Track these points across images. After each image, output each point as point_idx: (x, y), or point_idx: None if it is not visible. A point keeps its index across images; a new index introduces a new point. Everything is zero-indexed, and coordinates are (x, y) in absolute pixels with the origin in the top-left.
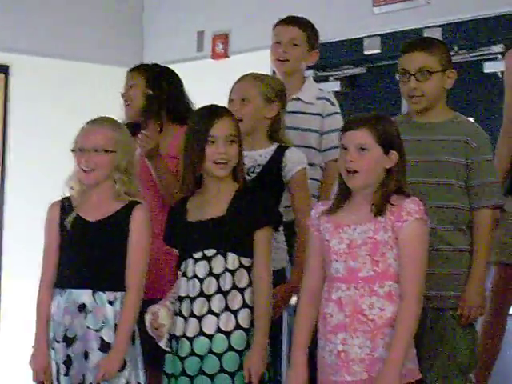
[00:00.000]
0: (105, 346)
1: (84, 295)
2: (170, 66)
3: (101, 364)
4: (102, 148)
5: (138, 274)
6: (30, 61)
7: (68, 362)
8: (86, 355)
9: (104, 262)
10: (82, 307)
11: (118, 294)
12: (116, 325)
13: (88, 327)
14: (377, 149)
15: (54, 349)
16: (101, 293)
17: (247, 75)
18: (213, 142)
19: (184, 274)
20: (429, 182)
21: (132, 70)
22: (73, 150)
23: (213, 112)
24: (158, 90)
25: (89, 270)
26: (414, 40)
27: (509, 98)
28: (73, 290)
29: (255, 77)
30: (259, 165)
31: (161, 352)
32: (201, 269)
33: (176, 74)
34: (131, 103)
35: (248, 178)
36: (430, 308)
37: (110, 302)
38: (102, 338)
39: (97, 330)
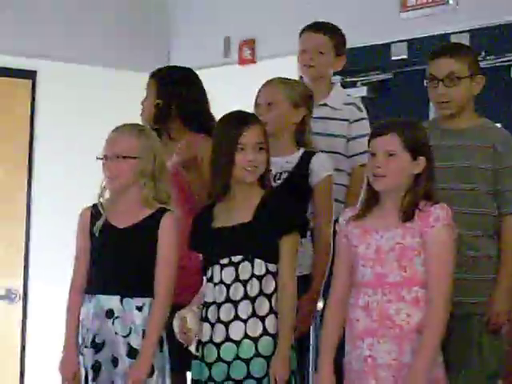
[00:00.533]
0: (132, 352)
1: (112, 301)
2: (197, 72)
3: (129, 372)
4: (122, 155)
5: (166, 282)
6: (57, 67)
7: (96, 367)
8: (114, 361)
9: (132, 268)
10: (109, 313)
11: (147, 300)
12: (144, 331)
13: (116, 333)
14: (405, 154)
15: (82, 354)
16: (129, 299)
17: (274, 79)
18: (242, 149)
19: (210, 280)
20: (456, 187)
21: (149, 78)
22: (100, 158)
23: (242, 119)
24: (168, 98)
25: (117, 276)
26: (442, 46)
27: None
28: (101, 296)
29: (282, 81)
30: (286, 171)
31: (187, 358)
32: (228, 275)
33: (196, 78)
34: (143, 113)
35: (274, 184)
36: (456, 314)
37: (138, 308)
38: (129, 344)
39: (125, 336)
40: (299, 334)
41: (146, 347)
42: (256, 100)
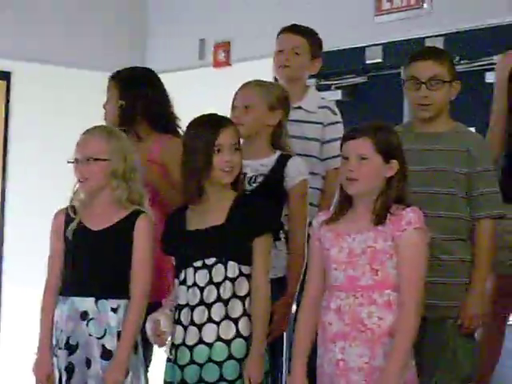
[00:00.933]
0: (106, 354)
1: (86, 303)
2: (172, 74)
3: (105, 375)
4: (93, 157)
5: (141, 284)
6: (31, 67)
7: (70, 369)
8: (87, 363)
9: (107, 270)
10: (84, 315)
11: (122, 302)
12: (119, 332)
13: (90, 334)
14: (377, 158)
15: (56, 356)
16: (104, 300)
17: (250, 82)
18: (219, 150)
19: (183, 283)
20: (430, 191)
21: (109, 80)
22: (71, 162)
23: (217, 121)
24: (132, 99)
25: (91, 278)
26: (424, 48)
27: (496, 92)
28: (75, 298)
29: (258, 84)
30: (261, 174)
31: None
32: (201, 277)
33: (157, 78)
34: (106, 116)
35: (250, 187)
36: (430, 317)
37: (113, 310)
38: (103, 346)
39: (99, 338)
40: (273, 338)
41: (121, 349)
42: (233, 103)
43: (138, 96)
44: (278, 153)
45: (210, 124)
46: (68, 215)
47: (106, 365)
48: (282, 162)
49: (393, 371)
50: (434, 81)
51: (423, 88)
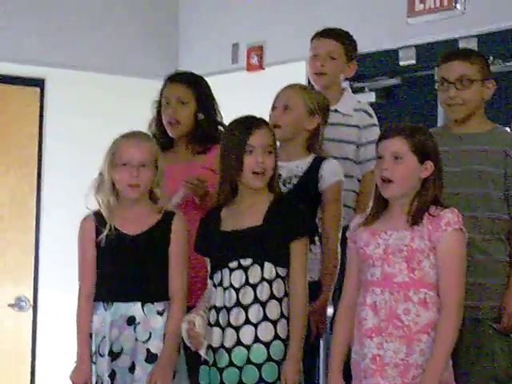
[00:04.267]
0: (151, 357)
1: (133, 308)
2: (206, 78)
3: (150, 377)
4: (149, 163)
5: (181, 284)
6: (65, 74)
7: (112, 375)
8: (131, 368)
9: (150, 273)
10: (130, 320)
11: (167, 304)
12: (164, 335)
13: (136, 339)
14: (412, 158)
15: (94, 363)
16: (150, 304)
17: (294, 84)
18: (251, 151)
19: (220, 284)
20: (467, 192)
21: (182, 81)
22: (111, 164)
23: (251, 122)
24: (208, 114)
25: (136, 283)
26: (453, 50)
27: None
28: (120, 304)
29: (302, 87)
30: (296, 176)
31: (196, 363)
32: (236, 278)
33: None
34: (180, 123)
35: (284, 188)
36: (467, 318)
37: (159, 313)
38: (148, 350)
39: (144, 342)
40: (311, 340)
41: (167, 350)
42: (273, 102)
43: (214, 112)
44: (313, 155)
45: (243, 125)
46: (97, 220)
47: (149, 369)
48: (316, 163)
49: (433, 371)
50: (463, 81)
51: (451, 88)
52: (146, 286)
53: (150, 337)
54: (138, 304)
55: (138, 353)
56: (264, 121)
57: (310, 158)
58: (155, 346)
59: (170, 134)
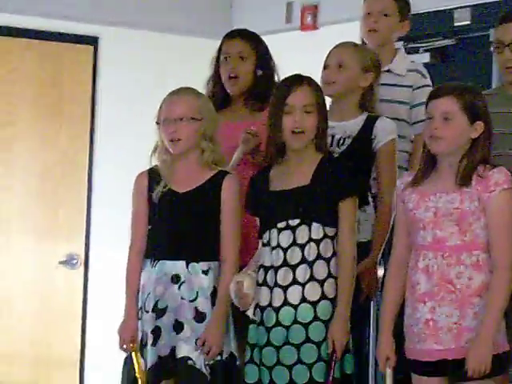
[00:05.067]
0: (200, 316)
1: (178, 266)
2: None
3: (204, 337)
4: (188, 116)
5: (233, 244)
6: (118, 32)
7: (156, 332)
8: (177, 326)
9: (197, 232)
10: (175, 278)
11: (212, 264)
12: (211, 294)
13: (182, 298)
14: (462, 117)
15: (141, 319)
16: (195, 263)
17: (346, 43)
18: (289, 111)
19: (268, 244)
20: None
21: (242, 37)
22: (157, 122)
23: (291, 81)
24: (267, 71)
25: (182, 241)
26: (509, 11)
27: None
28: (166, 261)
29: (354, 45)
30: (349, 136)
31: (243, 322)
32: (284, 238)
33: None
34: (240, 79)
35: (338, 149)
36: None
37: (204, 272)
38: (196, 309)
39: (191, 301)
40: (363, 300)
41: (219, 311)
42: (325, 61)
43: (273, 70)
44: (366, 114)
45: (283, 84)
46: (151, 177)
47: (199, 327)
48: (369, 122)
49: (486, 332)
50: None
51: (507, 50)
52: (191, 244)
53: (197, 296)
54: (183, 262)
55: (185, 311)
56: (307, 79)
57: (362, 117)
58: (203, 305)
59: (229, 90)
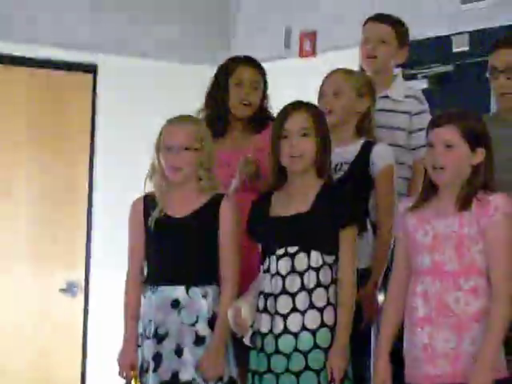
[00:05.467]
0: (199, 340)
1: (177, 291)
2: None
3: (201, 362)
4: (190, 146)
5: (233, 266)
6: (117, 60)
7: (157, 358)
8: (178, 351)
9: (195, 256)
10: (175, 303)
11: (211, 288)
12: (209, 319)
13: (182, 323)
14: (463, 145)
15: (141, 346)
16: (194, 288)
17: (339, 69)
18: (286, 136)
19: (267, 271)
20: None
21: (255, 67)
22: (158, 149)
23: (290, 107)
24: (265, 92)
25: (181, 266)
26: (503, 37)
27: None
28: (165, 287)
29: (347, 71)
30: (346, 162)
31: (244, 348)
32: (283, 266)
33: None
34: (252, 106)
35: (336, 175)
36: None
37: (203, 296)
38: (196, 333)
39: (191, 325)
40: (363, 326)
41: (218, 337)
42: (320, 90)
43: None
44: (363, 139)
45: (282, 110)
46: (147, 203)
47: (198, 351)
48: (367, 148)
49: (486, 360)
50: (511, 69)
51: (501, 77)
52: (190, 269)
53: (197, 320)
54: (182, 287)
55: (186, 336)
56: (306, 104)
57: (360, 143)
58: (202, 329)
59: (238, 113)
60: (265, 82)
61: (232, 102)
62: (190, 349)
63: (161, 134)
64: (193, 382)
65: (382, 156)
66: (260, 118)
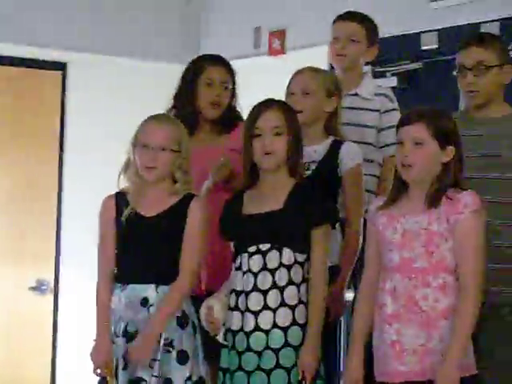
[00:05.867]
0: (164, 340)
1: (147, 289)
2: None
3: (130, 350)
4: (168, 147)
5: (191, 259)
6: (86, 58)
7: (127, 356)
8: None
9: (165, 255)
10: (144, 301)
11: None
12: (178, 317)
13: None
14: (433, 143)
15: (114, 343)
16: (164, 286)
17: (306, 68)
18: (259, 134)
19: (239, 268)
20: (486, 176)
21: (225, 66)
22: (134, 145)
23: (262, 105)
24: (234, 91)
25: (150, 265)
26: (471, 35)
27: None
28: (135, 285)
29: (315, 70)
30: (314, 161)
31: (216, 346)
32: (255, 263)
33: None
34: (221, 107)
35: (303, 175)
36: (488, 304)
37: None
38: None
39: None
40: (330, 321)
41: (155, 321)
42: (289, 89)
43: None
44: (331, 138)
45: (254, 108)
46: (118, 201)
47: (163, 351)
48: (335, 147)
49: (453, 355)
50: (479, 67)
51: (469, 75)
52: (159, 267)
53: None
54: (152, 286)
55: None
56: (277, 102)
57: (328, 142)
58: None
59: (208, 115)
60: (234, 82)
61: (201, 102)
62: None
63: (139, 130)
64: (141, 382)
65: (350, 155)
66: (229, 118)
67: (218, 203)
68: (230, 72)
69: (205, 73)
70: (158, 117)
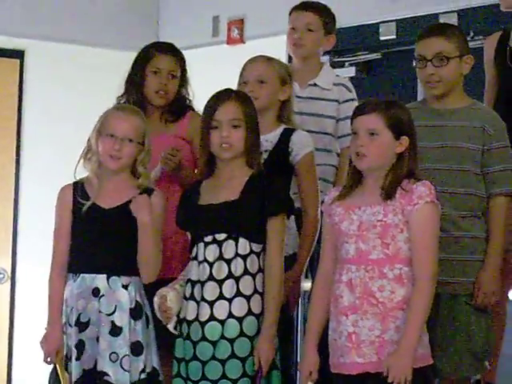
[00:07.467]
0: (115, 330)
1: (98, 279)
2: (185, 52)
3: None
4: (134, 139)
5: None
6: (45, 46)
7: (80, 346)
8: (97, 340)
9: (119, 247)
10: (95, 291)
11: (133, 279)
12: (130, 310)
13: (100, 311)
14: (387, 134)
15: (65, 333)
16: (116, 277)
17: (259, 57)
18: (216, 126)
19: (195, 258)
20: (444, 167)
21: (174, 53)
22: (99, 133)
23: (219, 96)
24: (184, 79)
25: (103, 255)
26: (430, 26)
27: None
28: (86, 275)
29: (268, 58)
30: (266, 151)
31: (170, 336)
32: (211, 253)
33: None
34: (168, 95)
35: None
36: (443, 294)
37: (124, 287)
38: (112, 322)
39: (108, 314)
40: (287, 311)
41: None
42: (243, 77)
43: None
44: (282, 127)
45: (211, 99)
46: (75, 190)
47: (114, 341)
48: (286, 136)
49: (407, 345)
50: (439, 57)
51: (429, 65)
52: (112, 258)
53: (115, 310)
54: (103, 276)
55: (102, 325)
56: (236, 93)
57: (279, 131)
58: (120, 319)
59: (155, 103)
60: (183, 70)
61: (148, 90)
62: (105, 338)
63: (105, 118)
64: (104, 376)
65: (301, 143)
66: (178, 107)
67: (169, 194)
68: (179, 61)
69: (152, 61)
70: (126, 108)
